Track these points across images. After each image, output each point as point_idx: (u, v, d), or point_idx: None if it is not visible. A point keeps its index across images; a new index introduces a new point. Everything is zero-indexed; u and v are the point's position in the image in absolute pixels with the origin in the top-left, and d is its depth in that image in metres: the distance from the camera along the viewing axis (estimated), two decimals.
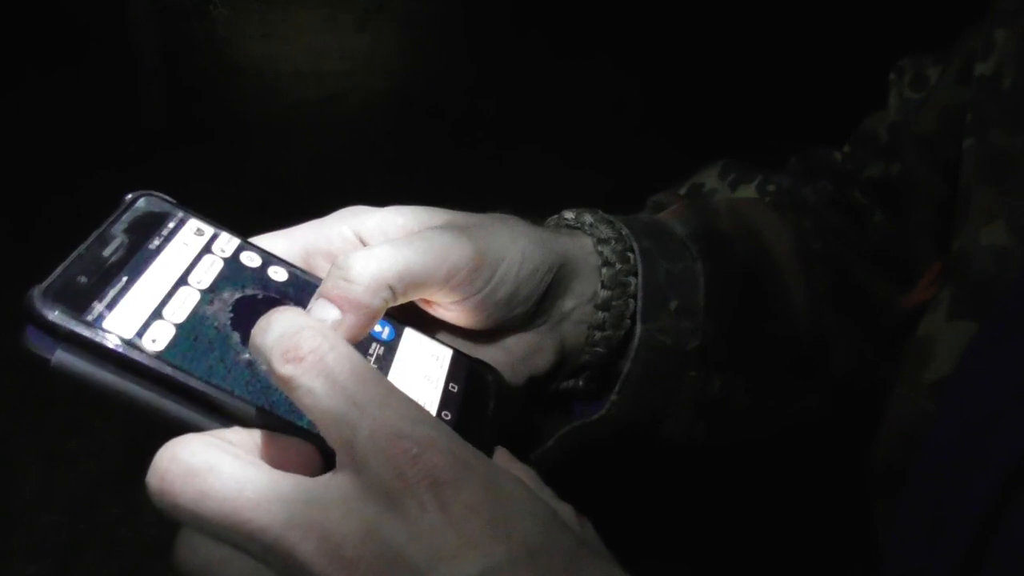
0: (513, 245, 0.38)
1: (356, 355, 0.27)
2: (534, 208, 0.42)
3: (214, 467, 0.26)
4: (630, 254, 0.42)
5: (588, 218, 0.43)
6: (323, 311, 0.32)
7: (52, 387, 1.63)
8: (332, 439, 0.27)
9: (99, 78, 2.54)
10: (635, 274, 0.42)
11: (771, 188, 0.54)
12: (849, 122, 0.57)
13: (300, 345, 0.27)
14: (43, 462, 1.64)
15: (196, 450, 0.27)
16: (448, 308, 0.38)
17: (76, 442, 1.67)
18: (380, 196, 0.40)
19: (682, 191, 0.56)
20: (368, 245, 0.36)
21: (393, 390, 0.27)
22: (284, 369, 0.27)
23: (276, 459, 0.29)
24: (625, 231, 0.43)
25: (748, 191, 0.55)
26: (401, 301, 0.35)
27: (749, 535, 0.60)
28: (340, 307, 0.32)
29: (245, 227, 0.36)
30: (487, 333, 0.40)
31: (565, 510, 0.30)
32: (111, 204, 0.33)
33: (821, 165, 0.55)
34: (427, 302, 0.38)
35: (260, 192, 2.18)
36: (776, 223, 0.48)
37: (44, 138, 2.35)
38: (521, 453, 0.34)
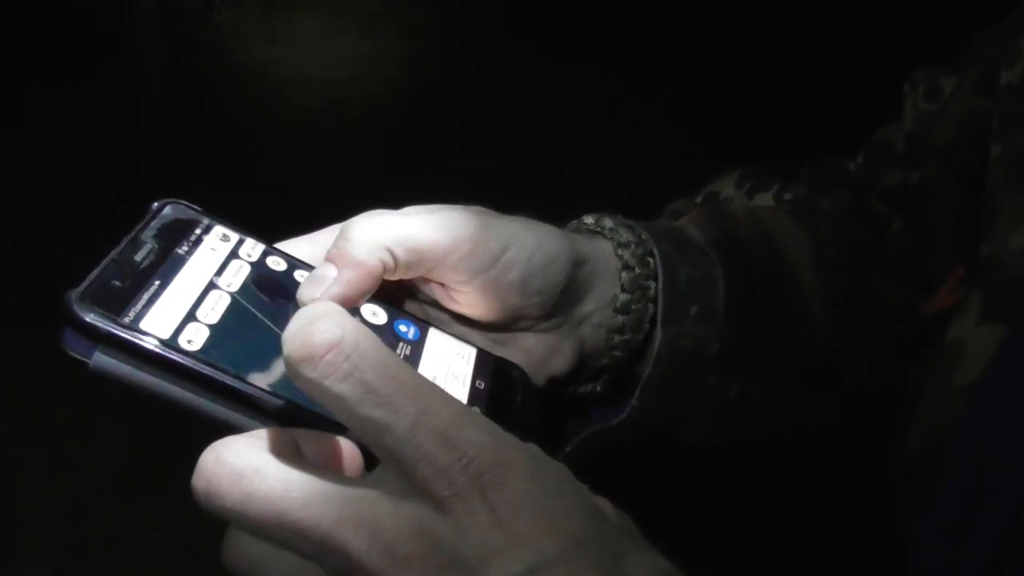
0: (526, 232, 0.38)
1: (382, 347, 0.26)
2: (539, 213, 0.42)
3: (259, 468, 0.26)
4: (650, 258, 0.43)
5: (608, 222, 0.44)
6: (322, 270, 0.33)
7: (54, 391, 1.63)
8: (372, 446, 0.27)
9: (102, 83, 2.54)
10: (655, 278, 0.42)
11: (788, 197, 0.54)
12: (854, 130, 0.58)
13: (313, 338, 0.25)
14: (45, 465, 1.64)
15: (240, 451, 0.27)
16: (458, 290, 0.38)
17: (78, 445, 1.67)
18: (382, 202, 0.40)
19: (698, 199, 0.57)
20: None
21: (430, 388, 0.27)
22: (304, 371, 0.26)
23: (318, 457, 0.29)
24: (645, 235, 0.43)
25: (765, 199, 0.55)
26: (403, 273, 0.36)
27: (763, 537, 0.61)
28: (336, 264, 0.33)
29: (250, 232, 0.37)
30: (506, 334, 0.40)
31: (604, 503, 0.30)
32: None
33: (836, 175, 0.55)
34: (439, 286, 0.38)
35: (263, 197, 2.18)
36: (794, 231, 0.49)
37: (45, 142, 2.35)
38: None
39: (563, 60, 2.80)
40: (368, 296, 0.34)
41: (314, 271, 0.34)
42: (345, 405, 0.26)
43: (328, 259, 0.34)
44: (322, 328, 0.26)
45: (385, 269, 0.34)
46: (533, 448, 0.33)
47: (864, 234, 0.52)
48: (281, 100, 2.75)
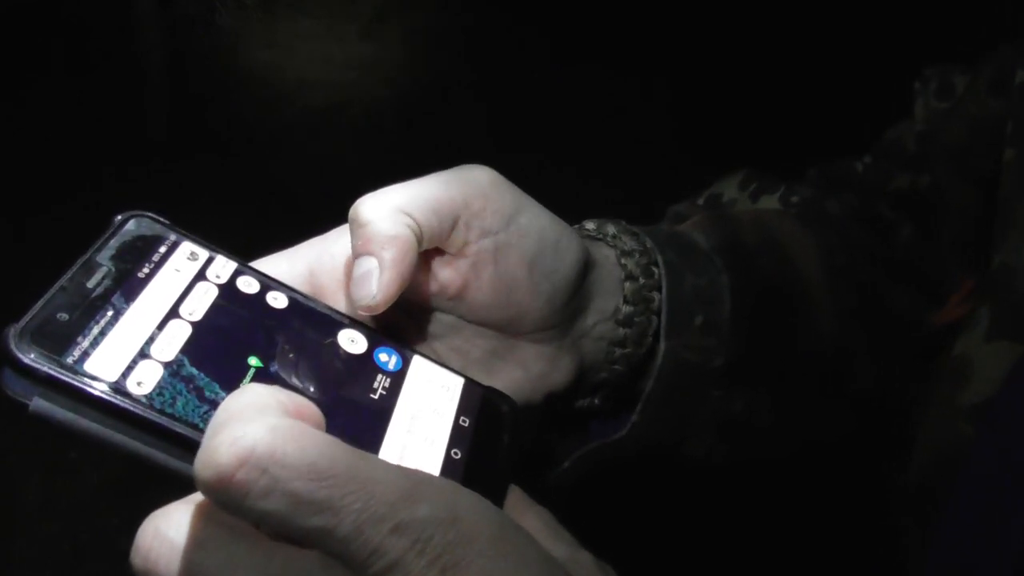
0: (537, 205, 0.37)
1: (306, 442, 0.23)
2: None
3: (202, 544, 0.24)
4: (654, 268, 0.41)
5: (611, 228, 0.42)
6: (361, 267, 0.31)
7: None
8: (320, 548, 0.24)
9: (103, 87, 2.54)
10: (659, 289, 0.40)
11: (795, 200, 0.53)
12: (857, 131, 0.56)
13: (218, 456, 0.22)
14: (44, 472, 1.63)
15: (182, 524, 0.25)
16: (465, 255, 0.35)
17: (77, 452, 1.66)
18: None
19: (700, 201, 0.55)
20: None
21: (369, 470, 0.23)
22: (216, 498, 0.23)
23: None
24: (650, 243, 0.41)
25: (771, 202, 0.53)
26: (428, 242, 0.33)
27: (768, 553, 0.59)
28: (372, 253, 0.31)
29: (249, 236, 0.34)
30: (505, 344, 0.38)
31: (584, 559, 0.28)
32: (109, 216, 0.32)
33: (844, 177, 0.53)
34: (447, 256, 0.35)
35: (264, 200, 2.17)
36: (801, 237, 0.47)
37: (46, 147, 2.34)
38: (537, 475, 0.33)
39: (565, 63, 2.79)
40: (413, 271, 0.32)
41: (355, 272, 0.32)
42: (276, 522, 0.23)
43: (359, 252, 0.32)
44: (227, 440, 0.22)
45: (416, 237, 0.32)
46: (512, 496, 0.30)
47: (872, 240, 0.50)
48: (282, 103, 2.74)
